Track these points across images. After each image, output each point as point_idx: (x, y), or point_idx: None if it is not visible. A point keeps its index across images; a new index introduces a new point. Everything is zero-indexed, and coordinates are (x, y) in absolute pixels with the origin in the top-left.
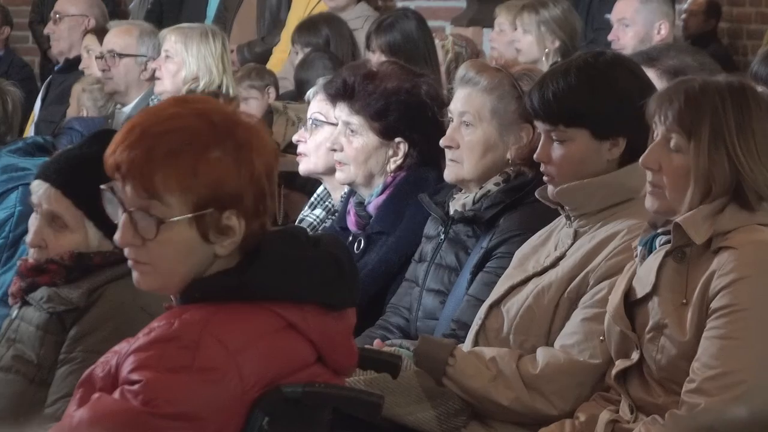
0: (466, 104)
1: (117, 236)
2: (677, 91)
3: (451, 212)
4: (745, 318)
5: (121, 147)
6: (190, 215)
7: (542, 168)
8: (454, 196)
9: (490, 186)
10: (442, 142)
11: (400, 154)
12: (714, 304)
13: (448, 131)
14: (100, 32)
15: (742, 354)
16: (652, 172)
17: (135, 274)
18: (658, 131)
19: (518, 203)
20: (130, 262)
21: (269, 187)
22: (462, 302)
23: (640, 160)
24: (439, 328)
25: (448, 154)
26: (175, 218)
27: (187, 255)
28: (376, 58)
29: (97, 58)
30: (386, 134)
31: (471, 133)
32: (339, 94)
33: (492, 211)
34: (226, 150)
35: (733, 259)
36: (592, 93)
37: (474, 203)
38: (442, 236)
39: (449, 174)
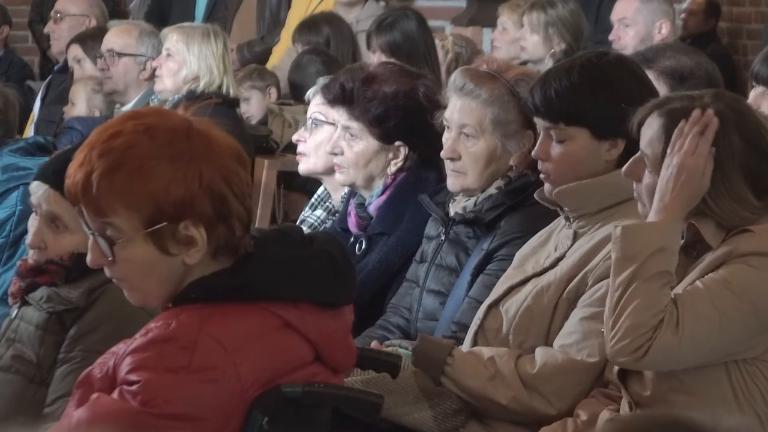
0: (466, 116)
1: (87, 258)
2: (651, 118)
3: (452, 214)
4: (747, 272)
5: (71, 171)
6: (140, 233)
7: (539, 165)
8: (455, 197)
9: (492, 189)
10: (443, 155)
11: (401, 156)
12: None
13: (449, 142)
14: (84, 41)
15: (725, 295)
16: (634, 182)
17: (123, 291)
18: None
19: (519, 205)
20: (114, 280)
21: (231, 189)
22: (463, 304)
23: (622, 170)
24: (439, 329)
25: (450, 165)
26: (127, 237)
27: (150, 271)
28: (376, 58)
29: (97, 57)
30: (386, 139)
31: (474, 145)
32: (337, 99)
33: (493, 213)
34: (164, 163)
35: (748, 237)
36: (594, 93)
37: (475, 205)
38: (443, 237)
39: (453, 185)
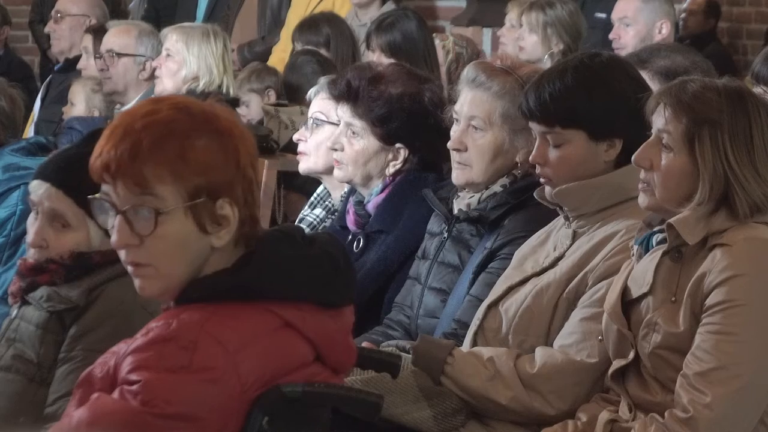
0: (476, 108)
1: (113, 239)
2: (676, 91)
3: (455, 211)
4: (740, 313)
5: (106, 148)
6: (185, 204)
7: (538, 170)
8: (459, 194)
9: (496, 187)
10: (450, 145)
11: (400, 159)
12: (709, 301)
13: (456, 134)
14: (98, 32)
15: (737, 349)
16: (644, 169)
17: (137, 281)
18: (654, 129)
19: (524, 204)
20: (130, 268)
21: (255, 175)
22: (463, 302)
23: (633, 157)
24: (440, 327)
25: (456, 156)
26: (172, 208)
27: (184, 248)
28: (375, 58)
29: (95, 57)
30: (387, 139)
31: (481, 138)
32: (343, 95)
33: (497, 211)
34: (210, 137)
35: (727, 256)
36: (588, 94)
37: (479, 203)
38: (446, 234)
39: (458, 178)
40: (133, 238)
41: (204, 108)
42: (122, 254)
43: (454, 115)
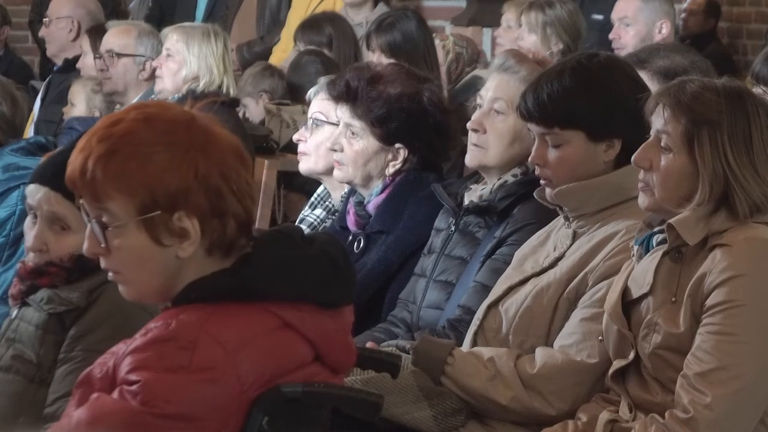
0: (501, 91)
1: (84, 246)
2: (675, 92)
3: (466, 203)
4: (740, 314)
5: (71, 159)
6: (134, 219)
7: (537, 171)
8: (470, 187)
9: (507, 177)
10: (469, 125)
11: (400, 159)
12: (709, 302)
13: (477, 115)
14: (95, 33)
15: (737, 349)
16: (643, 170)
17: (118, 286)
18: (653, 130)
19: (532, 195)
20: (109, 274)
21: (228, 185)
22: (469, 288)
23: (633, 157)
24: (445, 315)
25: (473, 138)
26: (116, 224)
27: (145, 260)
28: (375, 58)
29: (95, 58)
30: (386, 140)
31: (502, 121)
32: (342, 96)
33: (506, 201)
34: (164, 150)
35: (727, 256)
36: (587, 95)
37: (490, 193)
38: (453, 228)
39: (472, 159)
40: (99, 248)
41: (172, 117)
42: (100, 260)
43: (479, 101)
